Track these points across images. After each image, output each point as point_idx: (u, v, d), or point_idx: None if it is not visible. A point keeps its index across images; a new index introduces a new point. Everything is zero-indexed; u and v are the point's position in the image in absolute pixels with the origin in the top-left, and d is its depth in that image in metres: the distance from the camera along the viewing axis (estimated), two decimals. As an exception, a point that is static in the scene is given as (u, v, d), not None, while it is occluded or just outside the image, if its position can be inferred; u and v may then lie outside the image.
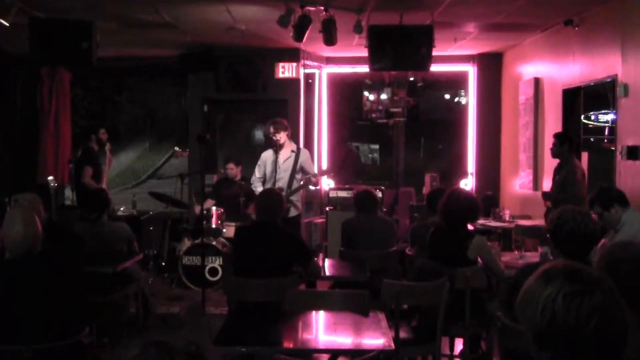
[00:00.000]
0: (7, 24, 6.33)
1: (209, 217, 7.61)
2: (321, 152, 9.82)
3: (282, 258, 4.53)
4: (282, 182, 7.10)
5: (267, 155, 7.29)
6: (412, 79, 10.14)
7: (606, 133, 6.77)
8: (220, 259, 7.43)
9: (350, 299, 3.90)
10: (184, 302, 6.96)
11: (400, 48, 6.81)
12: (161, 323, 6.22)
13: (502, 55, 9.48)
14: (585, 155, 6.94)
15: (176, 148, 11.80)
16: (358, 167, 13.09)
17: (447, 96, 15.63)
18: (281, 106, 9.21)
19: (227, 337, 3.42)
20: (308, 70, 9.57)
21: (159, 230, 8.44)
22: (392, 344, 3.27)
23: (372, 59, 6.94)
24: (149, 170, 21.61)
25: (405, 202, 9.19)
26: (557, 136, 6.64)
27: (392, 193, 9.45)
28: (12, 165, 9.32)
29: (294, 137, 8.01)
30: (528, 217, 7.77)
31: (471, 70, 9.74)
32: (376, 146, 19.02)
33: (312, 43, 7.82)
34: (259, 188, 7.11)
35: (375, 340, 3.34)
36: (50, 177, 6.86)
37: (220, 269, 7.43)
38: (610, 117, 6.48)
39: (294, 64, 9.29)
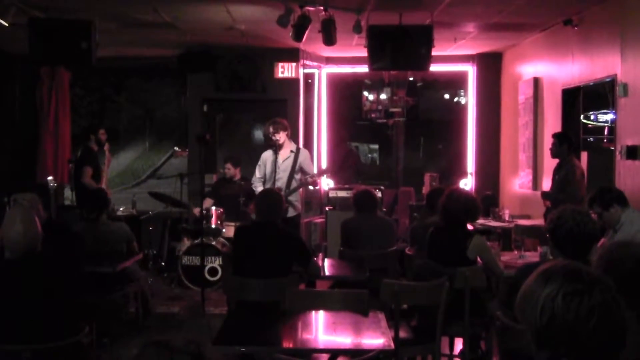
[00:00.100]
0: (7, 24, 6.33)
1: (208, 217, 7.60)
2: (321, 152, 9.81)
3: (282, 258, 4.53)
4: (281, 182, 7.10)
5: (267, 155, 7.30)
6: (411, 78, 10.14)
7: (605, 133, 6.75)
8: (220, 259, 7.42)
9: (350, 299, 3.90)
10: (183, 302, 6.97)
11: (399, 48, 6.80)
12: (161, 323, 6.22)
13: (501, 55, 9.48)
14: (584, 155, 6.93)
15: (176, 148, 11.78)
16: (358, 167, 13.09)
17: (446, 96, 15.60)
18: (280, 106, 9.20)
19: (227, 337, 3.41)
20: (307, 70, 9.57)
21: (158, 230, 8.45)
22: (392, 344, 3.27)
23: (372, 59, 6.94)
24: (149, 170, 21.58)
25: (404, 202, 9.19)
26: (556, 136, 6.64)
27: (392, 193, 9.46)
28: (12, 165, 9.32)
29: (294, 137, 8.00)
30: (527, 217, 7.77)
31: (471, 70, 9.73)
32: (376, 146, 19.01)
33: (312, 43, 7.82)
34: (259, 188, 7.11)
35: (375, 340, 3.34)
36: (50, 177, 6.85)
37: (219, 269, 7.43)
38: (609, 116, 6.47)
39: (294, 64, 9.29)
